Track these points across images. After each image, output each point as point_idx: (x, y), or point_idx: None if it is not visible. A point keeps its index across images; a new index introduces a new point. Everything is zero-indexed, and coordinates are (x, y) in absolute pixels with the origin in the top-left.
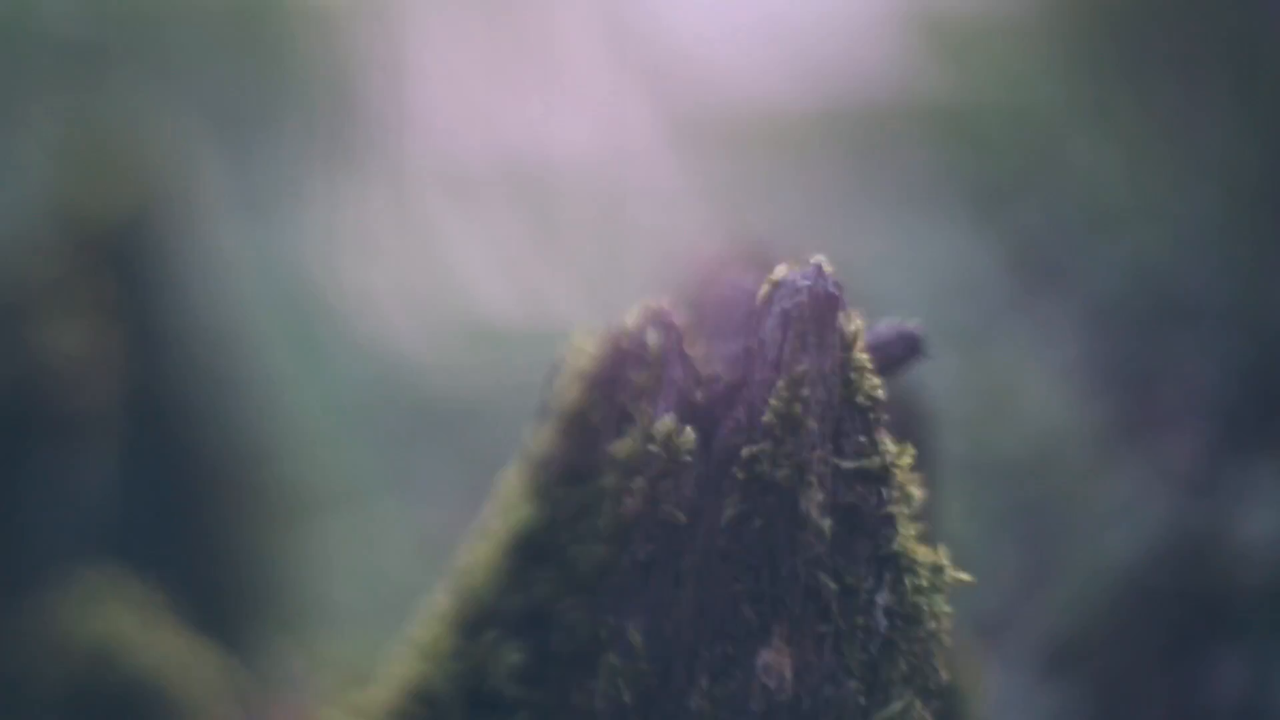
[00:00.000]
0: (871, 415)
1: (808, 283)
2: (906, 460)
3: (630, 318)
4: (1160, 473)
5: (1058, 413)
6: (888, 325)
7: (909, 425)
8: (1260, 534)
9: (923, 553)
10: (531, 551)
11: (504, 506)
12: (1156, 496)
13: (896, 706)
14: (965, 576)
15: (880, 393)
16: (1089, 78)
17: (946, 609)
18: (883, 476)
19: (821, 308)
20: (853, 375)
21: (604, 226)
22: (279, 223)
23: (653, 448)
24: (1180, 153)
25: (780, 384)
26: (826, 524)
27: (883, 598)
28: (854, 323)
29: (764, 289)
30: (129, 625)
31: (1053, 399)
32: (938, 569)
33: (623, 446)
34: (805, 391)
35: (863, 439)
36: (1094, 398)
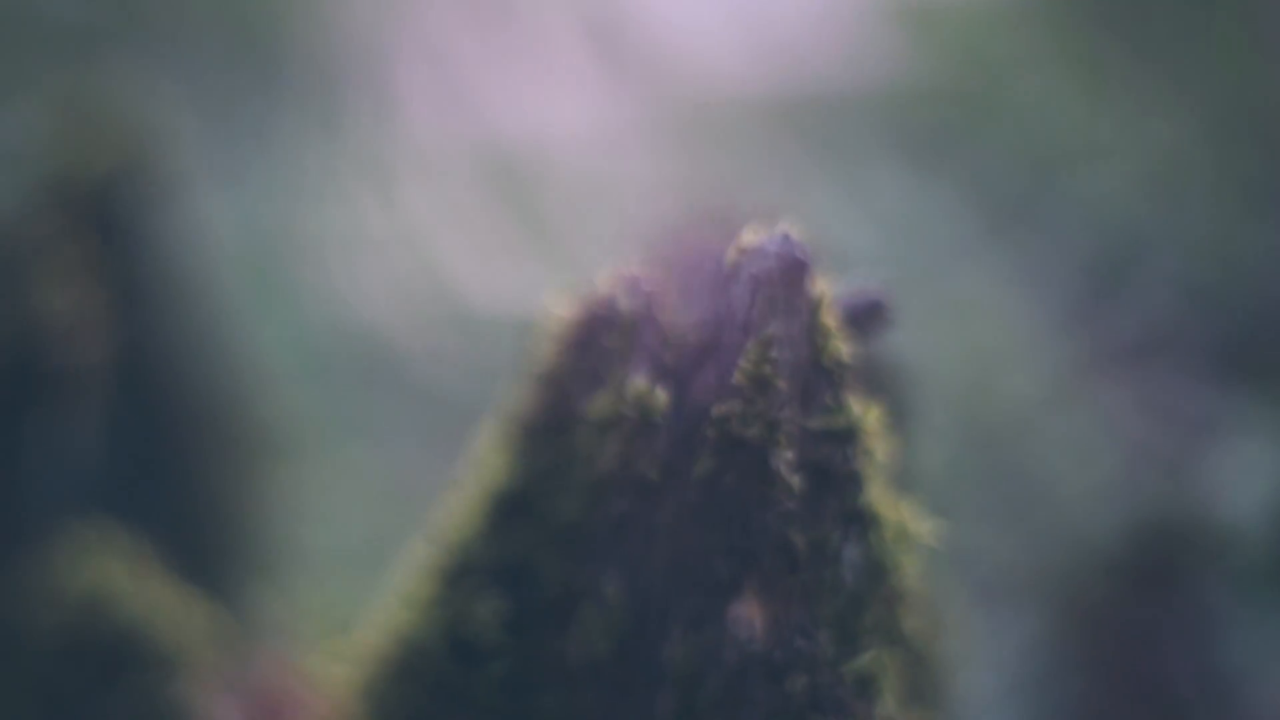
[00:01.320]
0: (838, 377)
1: (776, 248)
2: (873, 420)
3: (602, 282)
4: (1129, 406)
5: (1025, 352)
6: (855, 290)
7: (888, 383)
8: (1232, 464)
9: (889, 509)
10: (509, 506)
11: (481, 461)
12: (1126, 431)
13: (865, 657)
14: (929, 534)
15: (846, 355)
16: (1041, 22)
17: (912, 563)
18: (849, 436)
19: (790, 273)
20: (820, 338)
21: (576, 204)
22: (257, 186)
23: (626, 408)
24: (1138, 90)
25: (750, 346)
26: (795, 481)
27: (849, 553)
28: (821, 287)
29: (732, 255)
30: (118, 576)
31: (1019, 339)
32: (903, 526)
33: (597, 406)
34: (774, 353)
35: (829, 400)
36: (1060, 334)
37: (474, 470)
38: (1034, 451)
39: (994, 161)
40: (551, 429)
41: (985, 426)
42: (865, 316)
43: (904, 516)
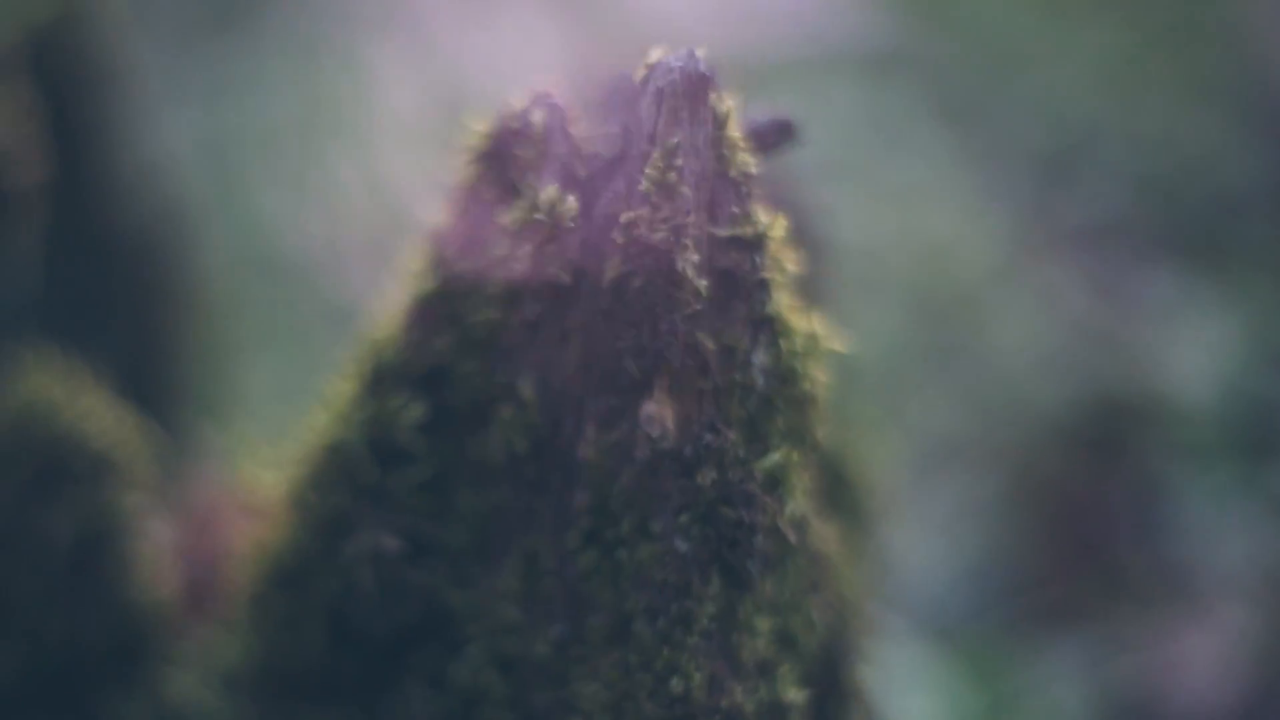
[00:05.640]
0: (744, 188)
1: (680, 64)
2: (779, 230)
3: (517, 99)
4: (1079, 287)
5: (979, 236)
6: (763, 109)
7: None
8: (1179, 342)
9: (798, 317)
10: (426, 313)
11: (404, 276)
12: (1076, 310)
13: (775, 456)
14: (838, 344)
15: (753, 168)
16: None
17: (821, 371)
18: (756, 244)
19: (693, 86)
20: (725, 151)
21: None
22: (234, 95)
23: (538, 216)
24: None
25: (655, 155)
26: (703, 284)
27: (759, 357)
28: (727, 103)
29: (639, 71)
30: (55, 391)
31: (973, 224)
32: (812, 335)
33: (510, 216)
34: (679, 161)
35: (736, 209)
36: (1013, 220)
37: (398, 285)
38: (985, 328)
39: (949, 64)
40: (469, 240)
41: (938, 304)
42: (772, 134)
43: (813, 325)
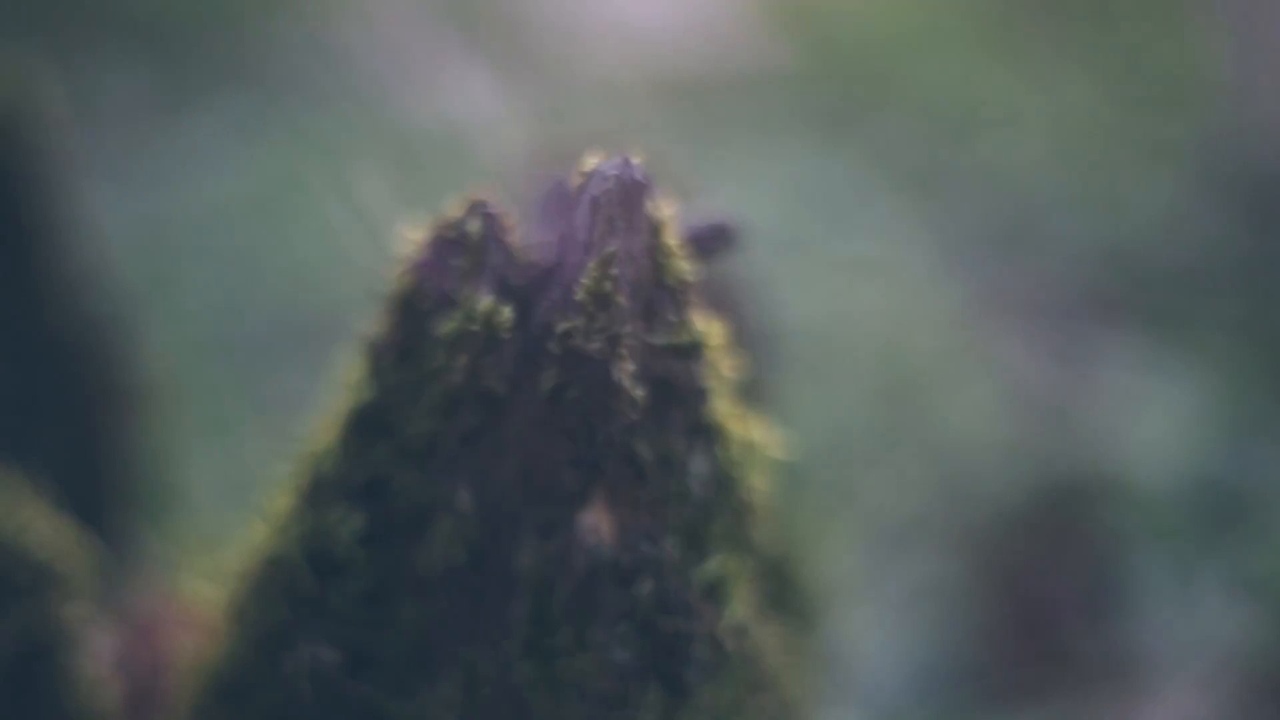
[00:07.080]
0: (681, 294)
1: (615, 171)
2: (716, 337)
3: (452, 208)
4: (1024, 356)
5: (931, 310)
6: (701, 214)
7: (739, 305)
8: (1115, 403)
9: (735, 423)
10: (364, 424)
11: (342, 385)
12: (1019, 379)
13: (713, 564)
14: (776, 450)
15: (689, 275)
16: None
17: (759, 476)
18: (692, 351)
19: (628, 194)
20: (662, 258)
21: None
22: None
23: (473, 326)
24: (1041, 60)
25: (591, 264)
26: (639, 393)
27: (696, 466)
28: (664, 209)
29: (575, 179)
30: None
31: (925, 298)
32: (751, 442)
33: (446, 327)
34: (614, 270)
35: (673, 317)
36: (966, 293)
37: (336, 395)
38: (939, 409)
39: (900, 132)
40: (403, 348)
41: (890, 385)
42: (710, 239)
43: (751, 431)
